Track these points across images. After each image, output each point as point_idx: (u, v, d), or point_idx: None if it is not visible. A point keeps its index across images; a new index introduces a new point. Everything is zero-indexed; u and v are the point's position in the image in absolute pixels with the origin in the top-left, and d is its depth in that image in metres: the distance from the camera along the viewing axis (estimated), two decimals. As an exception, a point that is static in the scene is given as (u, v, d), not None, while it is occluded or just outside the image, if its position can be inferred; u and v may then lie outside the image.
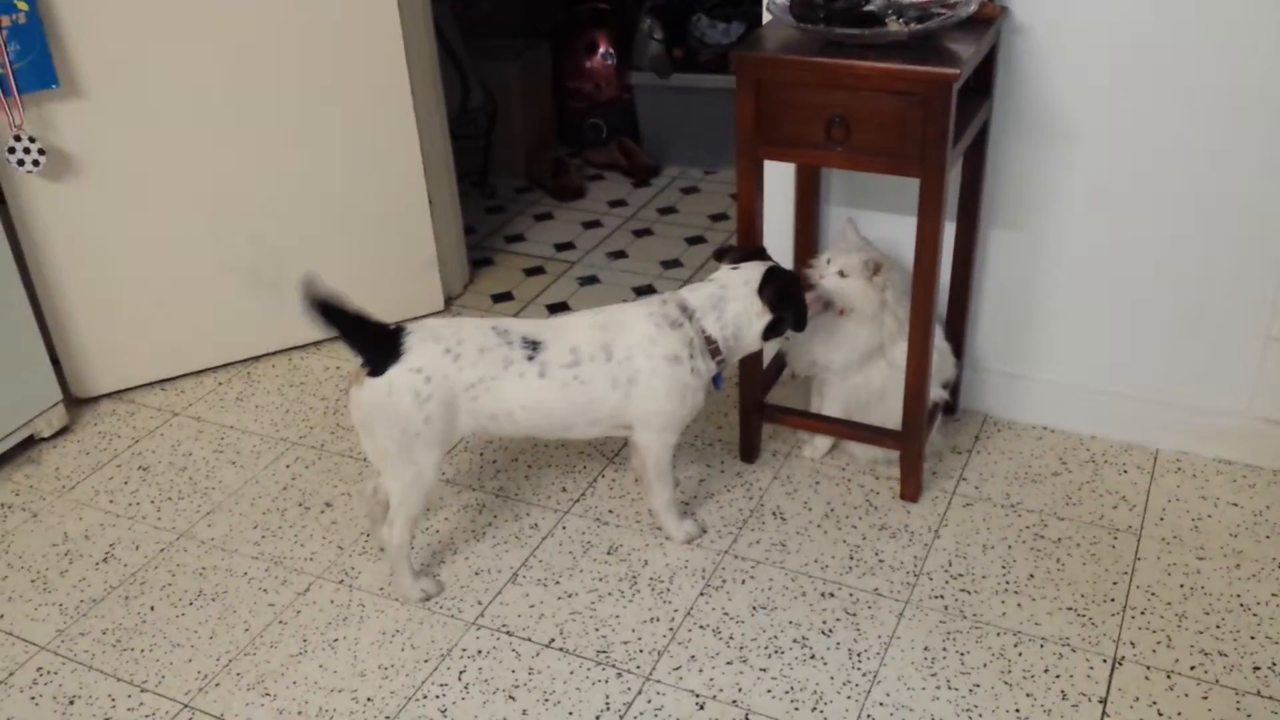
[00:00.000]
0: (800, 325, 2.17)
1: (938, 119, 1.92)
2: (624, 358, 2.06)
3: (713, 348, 2.11)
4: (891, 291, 2.26)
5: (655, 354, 2.06)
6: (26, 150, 2.51)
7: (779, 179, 2.39)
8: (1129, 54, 2.14)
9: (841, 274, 2.24)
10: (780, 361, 2.54)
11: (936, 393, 2.36)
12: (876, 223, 2.45)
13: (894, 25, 2.01)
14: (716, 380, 2.16)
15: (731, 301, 2.11)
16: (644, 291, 3.30)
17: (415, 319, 3.12)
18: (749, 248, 2.20)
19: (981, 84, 2.20)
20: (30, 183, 2.59)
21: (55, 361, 2.75)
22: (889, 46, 1.98)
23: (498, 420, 2.06)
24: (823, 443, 2.48)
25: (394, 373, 1.97)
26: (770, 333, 2.14)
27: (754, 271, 2.12)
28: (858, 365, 2.32)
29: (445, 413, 2.00)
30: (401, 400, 1.97)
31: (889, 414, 2.31)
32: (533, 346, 2.03)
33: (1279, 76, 2.05)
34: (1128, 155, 2.22)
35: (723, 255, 2.21)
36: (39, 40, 2.44)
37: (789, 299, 2.12)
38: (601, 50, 4.16)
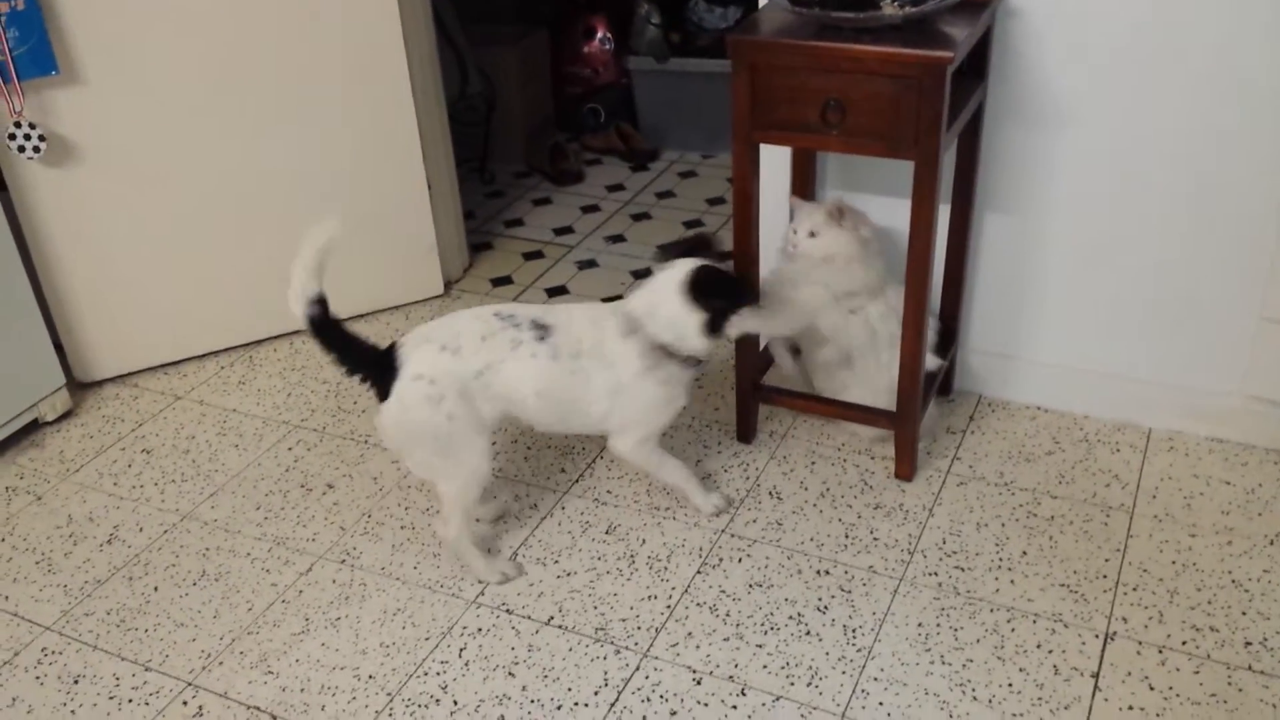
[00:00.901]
0: (727, 316, 2.06)
1: (932, 102, 1.93)
2: (610, 363, 2.06)
3: (668, 352, 2.07)
4: (866, 227, 2.26)
5: (628, 366, 2.06)
6: (27, 137, 2.53)
7: (775, 163, 2.40)
8: (1124, 37, 2.15)
9: (812, 234, 2.25)
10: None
11: (929, 361, 2.36)
12: (872, 206, 2.45)
13: (888, 8, 2.02)
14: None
15: (662, 305, 2.05)
16: (642, 276, 3.32)
17: (417, 302, 3.15)
18: (689, 241, 2.15)
19: (976, 67, 2.21)
20: (31, 169, 2.61)
21: (58, 346, 2.78)
22: (883, 30, 1.99)
23: (513, 403, 2.06)
24: (787, 362, 2.49)
25: (399, 387, 1.98)
26: (712, 329, 2.05)
27: (679, 270, 2.05)
28: (835, 304, 2.30)
29: (466, 405, 2.00)
30: (418, 411, 1.98)
31: (865, 385, 2.34)
32: (543, 330, 2.04)
33: (1274, 60, 2.07)
34: (1122, 138, 2.23)
35: (665, 252, 2.14)
36: (38, 27, 2.45)
37: (714, 293, 2.03)
38: (599, 35, 4.17)
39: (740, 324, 2.12)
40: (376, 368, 2.02)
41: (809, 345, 2.41)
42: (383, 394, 2.00)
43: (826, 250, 2.26)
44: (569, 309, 2.13)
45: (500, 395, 2.03)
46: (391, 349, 2.02)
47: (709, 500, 2.29)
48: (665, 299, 2.04)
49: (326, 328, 2.02)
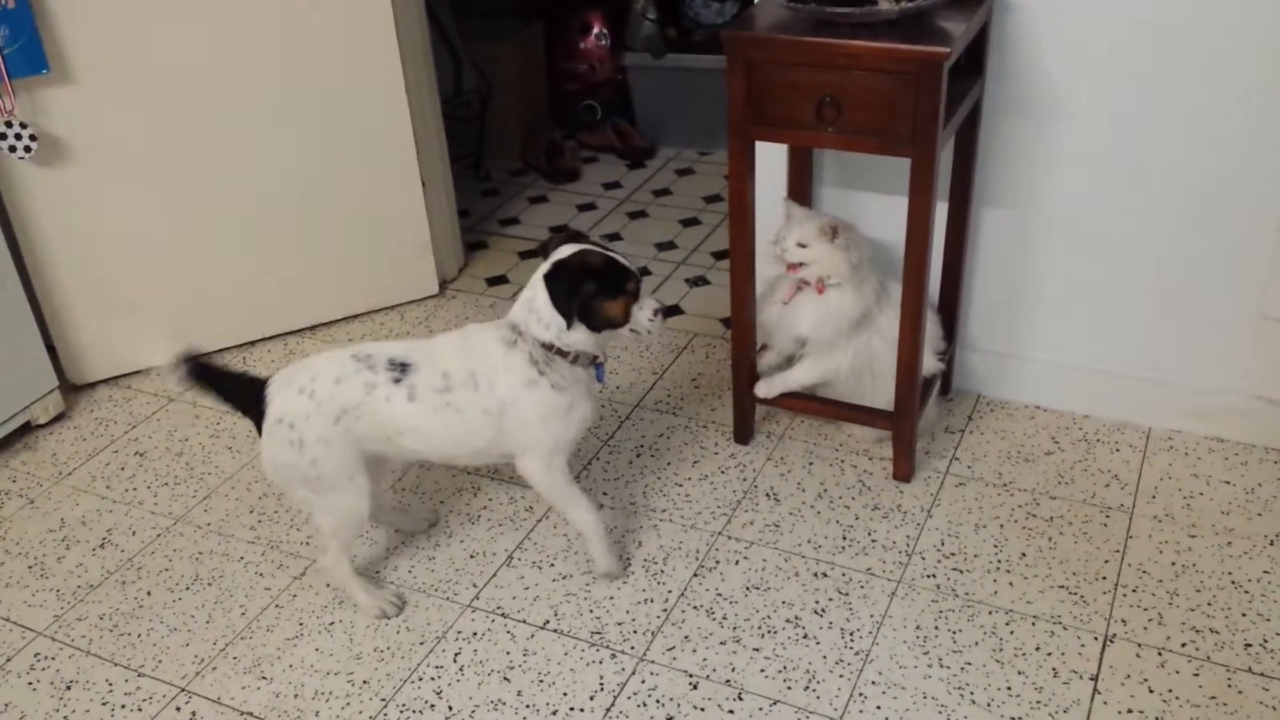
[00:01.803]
0: (565, 314, 1.91)
1: (929, 98, 1.91)
2: (488, 385, 1.94)
3: (555, 352, 1.95)
4: (856, 251, 2.23)
5: (512, 381, 1.94)
6: (18, 136, 2.51)
7: (772, 160, 2.39)
8: (1122, 32, 2.13)
9: (802, 245, 2.23)
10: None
11: (931, 364, 2.35)
12: (870, 203, 2.45)
13: (885, 4, 2.00)
14: (598, 373, 2.04)
15: (538, 295, 1.93)
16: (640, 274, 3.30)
17: (411, 302, 3.14)
18: (565, 234, 2.05)
19: (973, 62, 2.19)
20: (23, 169, 2.59)
21: (51, 348, 2.76)
22: (880, 25, 1.97)
23: (380, 444, 1.98)
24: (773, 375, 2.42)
25: (265, 428, 1.95)
26: (585, 318, 1.93)
27: (550, 260, 1.95)
28: (849, 336, 2.30)
29: (330, 449, 1.93)
30: (282, 453, 1.94)
31: (884, 390, 2.31)
32: (401, 369, 1.94)
33: (1274, 55, 2.05)
34: (1121, 134, 2.22)
35: (545, 248, 2.02)
36: (28, 25, 2.43)
37: (554, 280, 1.91)
38: (595, 31, 4.15)
39: (639, 316, 1.98)
40: (250, 403, 1.97)
41: (822, 386, 2.40)
42: (259, 429, 1.97)
43: (814, 263, 2.22)
44: (436, 342, 2.01)
45: (366, 438, 1.95)
46: (262, 385, 1.97)
47: (608, 559, 2.13)
48: (538, 293, 1.93)
49: (203, 374, 2.00)
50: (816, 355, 2.35)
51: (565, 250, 1.96)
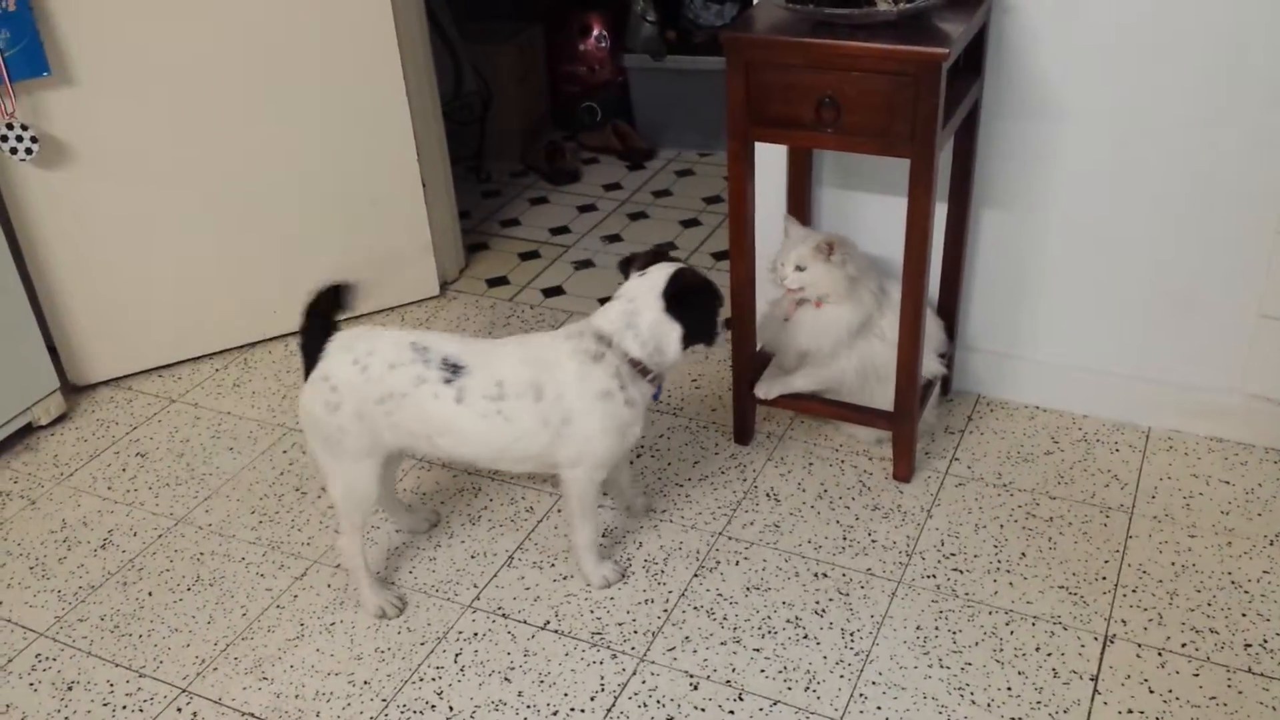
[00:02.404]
0: (706, 336, 2.00)
1: (927, 99, 1.92)
2: (555, 397, 1.93)
3: (640, 369, 1.97)
4: (853, 265, 2.24)
5: (586, 393, 1.94)
6: (19, 138, 2.51)
7: (771, 161, 2.39)
8: (1120, 32, 2.14)
9: (799, 268, 2.24)
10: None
11: (933, 366, 2.35)
12: (869, 204, 2.45)
13: (883, 5, 2.01)
14: (658, 391, 2.05)
15: (644, 312, 1.95)
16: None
17: (412, 303, 3.14)
18: (653, 251, 2.07)
19: (972, 63, 2.20)
20: (24, 171, 2.59)
21: (52, 349, 2.76)
22: (878, 26, 1.98)
23: (418, 440, 1.98)
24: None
25: (311, 378, 1.96)
26: (688, 340, 1.98)
27: (660, 275, 1.97)
28: (849, 344, 2.31)
29: (360, 425, 1.93)
30: (314, 407, 1.95)
31: (888, 391, 2.31)
32: (453, 370, 1.93)
33: (1271, 53, 2.05)
34: (1119, 133, 2.22)
35: (629, 264, 2.04)
36: (29, 28, 2.43)
37: (691, 303, 1.96)
38: (595, 33, 4.15)
39: (721, 339, 2.03)
40: (316, 346, 1.96)
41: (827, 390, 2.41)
42: (306, 374, 1.97)
43: (812, 285, 2.23)
44: (495, 347, 2.02)
45: (402, 428, 1.95)
46: (326, 338, 1.97)
47: (599, 570, 2.14)
48: (646, 306, 1.95)
49: (320, 307, 1.99)
50: (818, 364, 2.36)
51: (661, 271, 1.97)
